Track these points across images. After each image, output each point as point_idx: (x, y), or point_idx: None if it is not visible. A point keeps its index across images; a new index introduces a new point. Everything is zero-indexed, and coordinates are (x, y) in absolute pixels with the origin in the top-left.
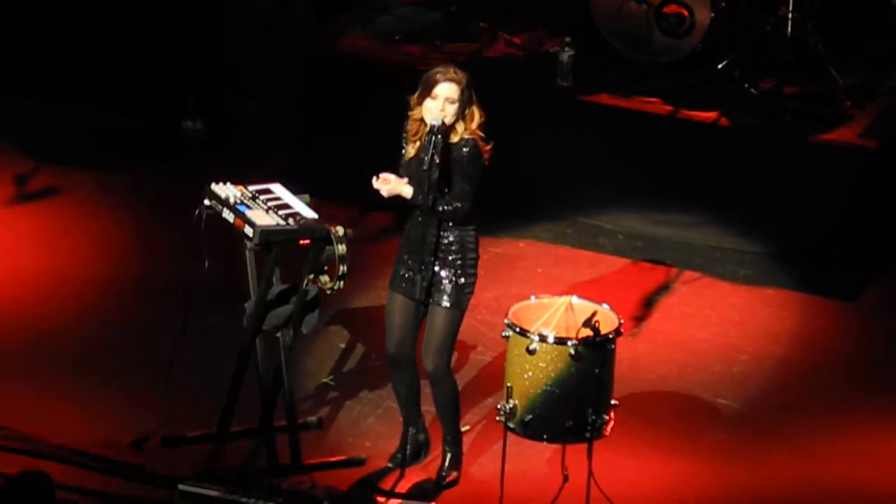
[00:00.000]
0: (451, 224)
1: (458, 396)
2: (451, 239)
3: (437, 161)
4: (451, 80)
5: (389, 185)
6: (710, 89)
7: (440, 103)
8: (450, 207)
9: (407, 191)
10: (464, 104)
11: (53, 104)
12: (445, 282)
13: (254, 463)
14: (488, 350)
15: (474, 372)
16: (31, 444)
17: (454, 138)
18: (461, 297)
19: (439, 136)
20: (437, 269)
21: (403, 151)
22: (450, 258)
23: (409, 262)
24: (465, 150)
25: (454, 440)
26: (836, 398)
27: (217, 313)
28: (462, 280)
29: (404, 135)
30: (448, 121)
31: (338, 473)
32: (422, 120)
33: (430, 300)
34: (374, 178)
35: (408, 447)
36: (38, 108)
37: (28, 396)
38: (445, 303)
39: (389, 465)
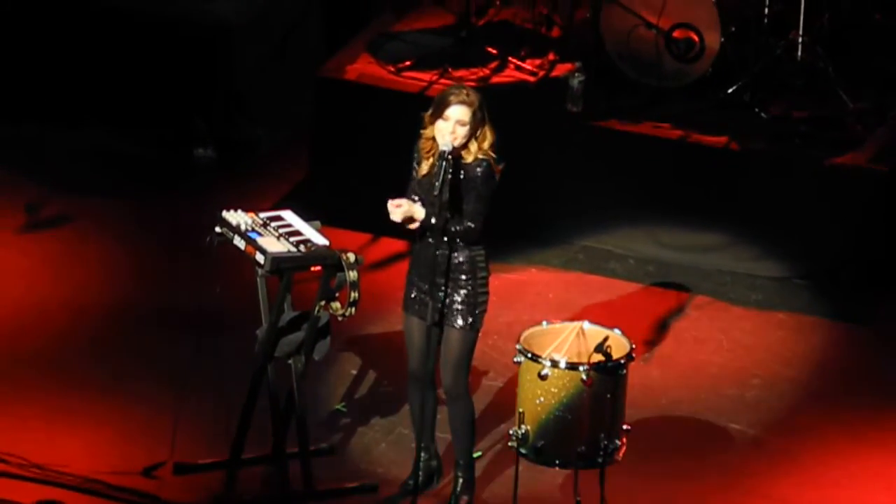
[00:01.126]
0: (460, 244)
1: (473, 419)
2: (461, 259)
3: (447, 185)
4: (462, 102)
5: (402, 209)
6: (721, 114)
7: (451, 125)
8: (461, 228)
9: (420, 213)
10: (475, 126)
11: (65, 131)
12: (458, 302)
13: (266, 490)
14: (500, 375)
15: (486, 397)
16: (43, 473)
17: (468, 158)
18: (475, 316)
19: (450, 160)
20: (448, 290)
21: (414, 171)
22: (461, 278)
23: (420, 283)
24: (479, 170)
25: (467, 465)
26: (848, 421)
27: (229, 341)
28: (474, 299)
29: (416, 154)
30: (458, 143)
31: (350, 500)
32: (434, 138)
33: (445, 322)
34: (390, 200)
35: (420, 473)
36: (49, 135)
37: (40, 424)
38: (459, 323)
39: (401, 491)
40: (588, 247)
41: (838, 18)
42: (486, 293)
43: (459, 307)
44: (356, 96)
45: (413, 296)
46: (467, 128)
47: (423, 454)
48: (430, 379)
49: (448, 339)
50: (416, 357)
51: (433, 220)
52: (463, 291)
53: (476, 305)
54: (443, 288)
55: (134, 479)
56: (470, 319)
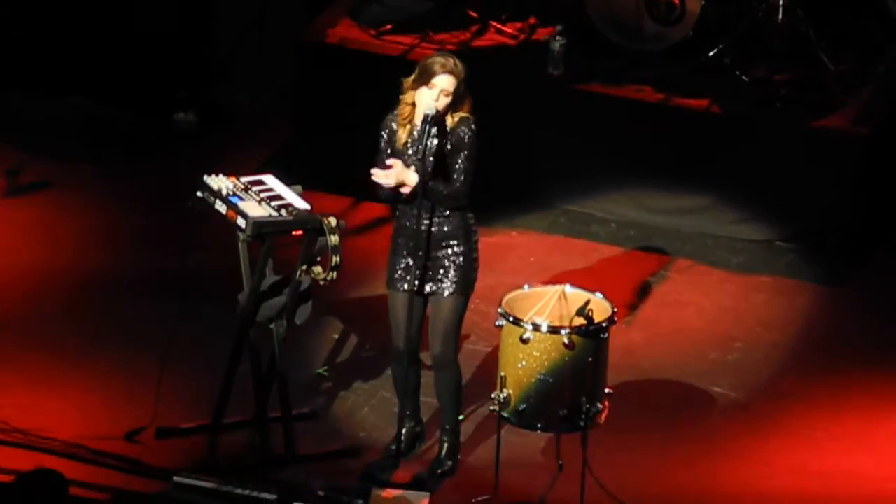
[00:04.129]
0: (449, 210)
1: (461, 385)
2: (454, 225)
3: (432, 147)
4: (451, 72)
5: (395, 170)
6: (702, 77)
7: (436, 94)
8: (451, 190)
9: (412, 177)
10: (458, 98)
11: (44, 97)
12: (451, 270)
13: (249, 454)
14: (482, 339)
15: (468, 361)
16: (26, 438)
17: (450, 122)
18: (467, 283)
19: (433, 124)
20: (440, 258)
21: (383, 143)
22: (454, 244)
23: (407, 255)
24: (465, 130)
25: (452, 430)
26: (831, 384)
27: (211, 305)
28: (469, 265)
29: (385, 128)
30: (442, 110)
31: (333, 464)
32: (413, 104)
33: (436, 289)
34: (374, 170)
35: (402, 438)
36: (28, 101)
37: (21, 390)
38: (451, 290)
39: (385, 455)
40: (570, 210)
41: None
42: (478, 259)
43: (453, 274)
44: (337, 60)
45: (400, 272)
46: (450, 98)
47: (406, 420)
48: (415, 352)
49: (440, 307)
50: (403, 334)
51: (419, 187)
52: (458, 259)
53: (470, 271)
54: (437, 256)
55: (116, 443)
56: (463, 285)
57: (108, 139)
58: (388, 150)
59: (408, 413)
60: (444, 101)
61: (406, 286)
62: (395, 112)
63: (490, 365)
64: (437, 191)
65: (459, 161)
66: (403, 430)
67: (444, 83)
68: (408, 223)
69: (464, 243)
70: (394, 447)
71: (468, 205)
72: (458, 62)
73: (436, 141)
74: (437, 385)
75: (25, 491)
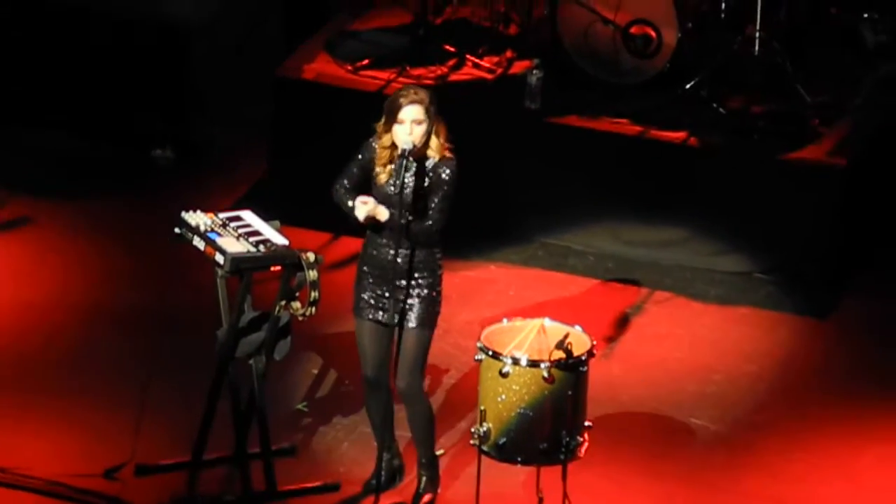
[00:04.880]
0: (421, 244)
1: (432, 417)
2: (420, 259)
3: (409, 186)
4: (413, 101)
5: (367, 206)
6: (679, 109)
7: (408, 127)
8: (424, 228)
9: (383, 214)
10: (431, 122)
11: (21, 131)
12: (416, 302)
13: (228, 490)
14: (461, 374)
15: (447, 395)
16: (6, 476)
17: (433, 155)
18: (431, 316)
19: (411, 160)
20: (407, 289)
21: (362, 157)
22: (419, 278)
23: (375, 286)
24: (446, 170)
25: (429, 463)
26: (810, 415)
27: (190, 341)
28: (431, 298)
29: (369, 145)
30: (418, 142)
31: (312, 500)
32: (392, 146)
33: (401, 322)
34: (359, 198)
35: (382, 472)
36: (6, 136)
37: (1, 427)
38: (416, 323)
39: (364, 490)
40: (547, 243)
41: (795, 13)
42: (441, 293)
43: (418, 307)
44: (314, 96)
45: (365, 299)
46: (424, 125)
47: (385, 454)
48: (386, 381)
49: (405, 340)
50: (370, 363)
51: (395, 220)
52: (423, 291)
53: (434, 304)
54: (406, 288)
55: (96, 480)
56: (428, 319)
57: (87, 174)
58: (363, 177)
59: (384, 446)
60: (419, 131)
61: (371, 314)
62: (375, 145)
63: (469, 399)
64: (410, 227)
65: (436, 200)
66: (382, 464)
67: (411, 114)
68: (374, 252)
69: (429, 277)
70: (373, 481)
71: (439, 244)
72: (418, 90)
73: (413, 177)
74: (408, 419)
75: None
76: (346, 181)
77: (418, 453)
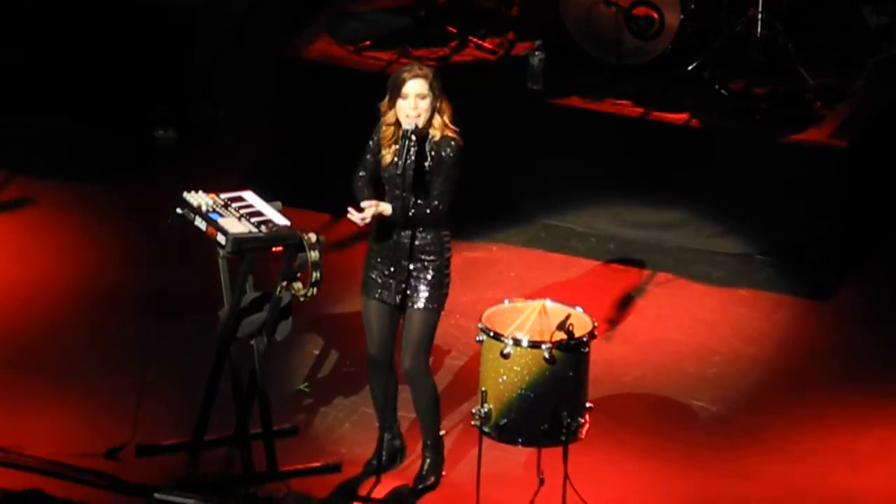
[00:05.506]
0: (428, 225)
1: (437, 399)
2: (427, 240)
3: (412, 165)
4: (417, 76)
5: (370, 211)
6: (681, 91)
7: (412, 101)
8: (429, 209)
9: (387, 208)
10: (435, 98)
11: (24, 115)
12: (423, 284)
13: (229, 470)
14: (462, 354)
15: (449, 376)
16: (6, 456)
17: (436, 135)
18: (439, 297)
19: (413, 139)
20: (414, 270)
21: (373, 140)
22: (427, 259)
23: (382, 266)
24: (449, 150)
25: (434, 445)
26: (810, 397)
27: (191, 322)
28: (440, 280)
29: (373, 139)
30: (422, 121)
31: (314, 480)
32: (396, 123)
33: (408, 303)
34: (350, 212)
35: (383, 453)
36: (10, 119)
37: (2, 407)
38: (423, 304)
39: (365, 470)
40: (549, 225)
41: None
42: (449, 274)
43: (424, 288)
44: (316, 76)
45: (373, 278)
46: (428, 100)
47: (386, 434)
48: (390, 361)
49: (411, 321)
50: (376, 341)
51: (397, 211)
52: (429, 273)
53: (441, 286)
54: (409, 269)
55: (96, 460)
56: (434, 301)
57: (88, 156)
58: (375, 162)
59: (386, 426)
60: (424, 105)
61: (378, 294)
62: (377, 136)
63: (470, 380)
64: (413, 208)
65: (439, 182)
66: (384, 445)
67: (415, 88)
68: (384, 234)
69: (437, 259)
70: (374, 462)
71: (446, 224)
72: (421, 65)
73: (415, 156)
74: (413, 400)
75: None
76: (361, 170)
77: (423, 435)
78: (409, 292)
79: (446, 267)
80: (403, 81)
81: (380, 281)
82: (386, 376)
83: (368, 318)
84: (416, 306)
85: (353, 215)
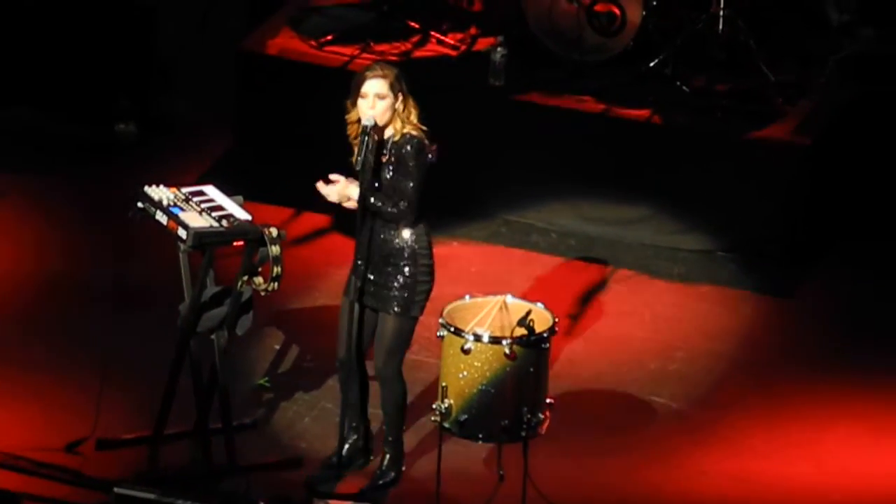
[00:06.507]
0: (398, 226)
1: (405, 400)
2: (400, 245)
3: (372, 161)
4: (377, 76)
5: (338, 187)
6: (642, 87)
7: (370, 101)
8: (392, 208)
9: (355, 191)
10: (395, 99)
11: None
12: (396, 288)
13: (189, 465)
14: (423, 350)
15: (410, 373)
16: None
17: (395, 136)
18: (410, 303)
19: (373, 136)
20: (387, 274)
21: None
22: (400, 263)
23: (360, 267)
24: (407, 147)
25: (395, 441)
26: (772, 394)
27: (152, 316)
28: (413, 287)
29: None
30: (381, 119)
31: (274, 475)
32: (358, 121)
33: (380, 306)
34: (321, 182)
35: (344, 451)
36: None
37: None
38: (394, 309)
39: (322, 466)
40: (510, 220)
41: None
42: (428, 282)
43: (396, 293)
44: (277, 71)
45: (352, 279)
46: (387, 101)
47: (352, 433)
48: (357, 361)
49: (383, 324)
50: (344, 341)
51: (359, 198)
52: (401, 277)
53: (415, 293)
54: (382, 272)
55: (57, 454)
56: (406, 307)
57: (49, 149)
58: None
59: (353, 426)
60: (382, 106)
61: (352, 294)
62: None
63: (432, 376)
64: (376, 206)
65: (403, 182)
66: (347, 444)
67: (373, 87)
68: (362, 235)
69: (409, 265)
70: (334, 459)
71: (423, 228)
72: (384, 66)
73: (374, 154)
74: (381, 398)
75: None
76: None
77: (385, 432)
78: (381, 295)
79: (423, 274)
80: (363, 80)
81: (355, 281)
82: (357, 378)
83: (342, 318)
84: (386, 310)
85: (322, 187)
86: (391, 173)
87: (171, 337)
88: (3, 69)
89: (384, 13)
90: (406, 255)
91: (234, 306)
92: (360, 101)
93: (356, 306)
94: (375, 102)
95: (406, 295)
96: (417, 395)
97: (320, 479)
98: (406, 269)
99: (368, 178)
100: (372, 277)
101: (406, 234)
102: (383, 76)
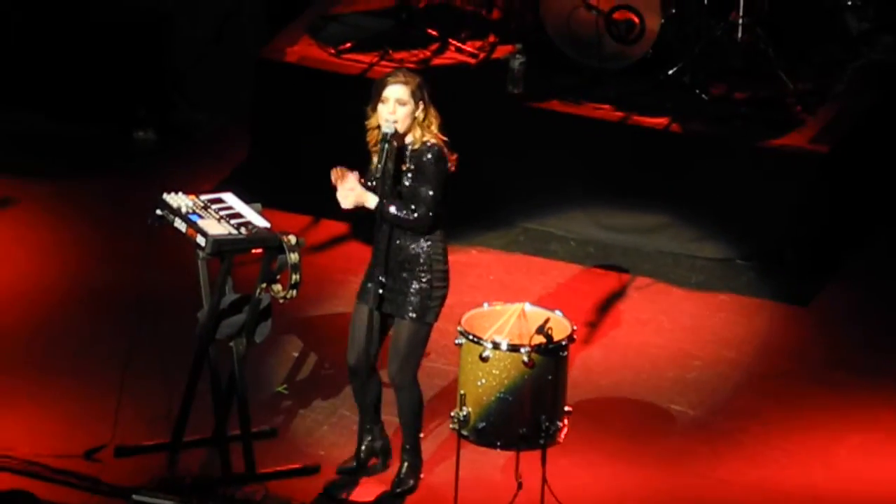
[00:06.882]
0: (415, 233)
1: (421, 407)
2: (416, 251)
3: (392, 168)
4: (399, 82)
5: (355, 193)
6: (661, 95)
7: (391, 106)
8: (410, 215)
9: (371, 200)
10: (416, 106)
11: (3, 114)
12: (411, 294)
13: (208, 472)
14: (441, 358)
15: (428, 380)
16: None
17: (415, 144)
18: (426, 310)
19: (393, 144)
20: (403, 280)
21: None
22: (416, 269)
23: (376, 272)
24: (428, 155)
25: (413, 449)
26: (790, 402)
27: (170, 323)
28: (429, 293)
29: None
30: (401, 126)
31: (292, 482)
32: (378, 128)
33: (395, 312)
34: (333, 169)
35: (361, 455)
36: None
37: None
38: (409, 315)
39: (339, 470)
40: (529, 228)
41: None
42: (444, 287)
43: (412, 298)
44: (296, 79)
45: (368, 284)
46: (407, 107)
47: (366, 436)
48: (369, 367)
49: (398, 330)
50: (355, 347)
51: (374, 205)
52: (416, 283)
53: (430, 299)
54: (398, 278)
55: (75, 461)
56: (422, 312)
57: (68, 156)
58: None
59: (367, 428)
60: (403, 112)
61: (366, 300)
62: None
63: (450, 383)
64: (394, 214)
65: (421, 188)
66: (363, 447)
67: (395, 93)
68: (379, 241)
69: (425, 272)
70: (353, 464)
71: (440, 235)
72: (407, 73)
73: (394, 163)
74: (397, 406)
75: None
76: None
77: (403, 439)
78: (397, 302)
79: (439, 280)
80: (385, 85)
81: (371, 287)
82: (369, 383)
83: (354, 323)
84: (402, 316)
85: (339, 193)
86: (410, 181)
87: (189, 344)
88: (21, 76)
89: (403, 21)
90: (422, 260)
91: (253, 314)
92: (380, 107)
93: (376, 314)
94: (396, 108)
95: (422, 300)
96: (434, 402)
97: (339, 486)
98: (422, 275)
99: (388, 186)
100: (387, 283)
101: (422, 240)
102: (405, 82)
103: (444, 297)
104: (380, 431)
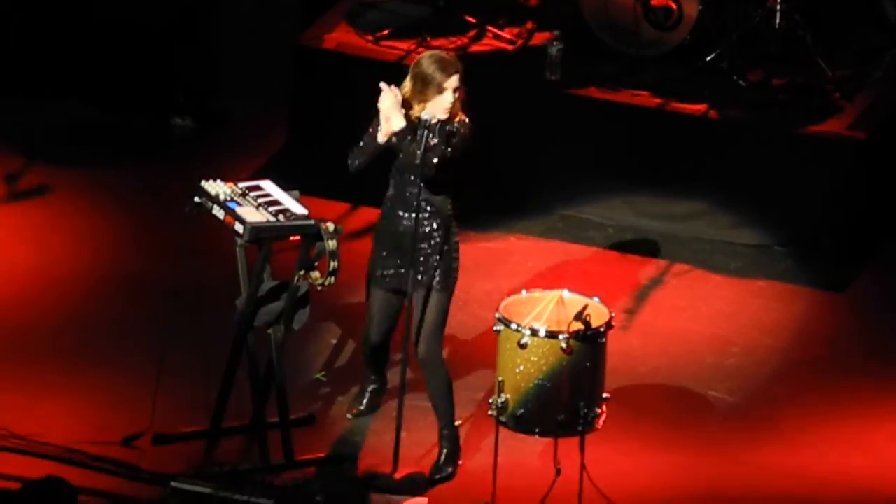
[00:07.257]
0: (431, 209)
1: (450, 387)
2: (434, 226)
3: (430, 159)
4: (456, 71)
5: (395, 100)
6: (699, 82)
7: (451, 97)
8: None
9: (398, 123)
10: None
11: (41, 101)
12: (432, 267)
13: (246, 459)
14: (480, 345)
15: (466, 367)
16: (24, 443)
17: (452, 118)
18: (449, 280)
19: (434, 128)
20: (422, 256)
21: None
22: (434, 243)
23: (389, 254)
24: (460, 129)
25: (451, 436)
26: (828, 388)
27: (209, 310)
28: (449, 264)
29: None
30: (456, 111)
31: (331, 469)
32: (409, 104)
33: (420, 287)
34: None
35: (365, 399)
36: (26, 105)
37: (17, 395)
38: (436, 287)
39: (348, 417)
40: (567, 215)
41: None
42: (458, 258)
43: (435, 271)
44: (334, 66)
45: (380, 266)
46: (459, 92)
47: (372, 376)
48: (386, 347)
49: (424, 304)
50: (375, 328)
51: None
52: (438, 256)
53: (451, 269)
54: (419, 254)
55: (113, 448)
56: (446, 281)
57: (106, 144)
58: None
59: (372, 378)
60: (456, 98)
61: (386, 283)
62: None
63: (488, 370)
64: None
65: (448, 151)
66: (366, 395)
67: (455, 83)
68: (387, 222)
69: (444, 242)
70: (361, 406)
71: (453, 209)
72: (452, 57)
73: (434, 145)
74: (428, 388)
75: (34, 499)
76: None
77: (439, 424)
78: (418, 277)
79: (455, 251)
80: (448, 74)
81: (386, 269)
82: (382, 362)
83: (371, 307)
84: (429, 289)
85: (384, 89)
86: (447, 158)
87: (227, 331)
88: (59, 64)
89: (441, 8)
90: (440, 234)
91: (291, 301)
92: (438, 98)
93: (388, 294)
94: (454, 97)
95: (444, 271)
96: (471, 388)
97: (377, 473)
98: (443, 246)
99: (430, 165)
100: (406, 262)
101: (440, 214)
102: (457, 70)
103: (458, 271)
104: (381, 378)
